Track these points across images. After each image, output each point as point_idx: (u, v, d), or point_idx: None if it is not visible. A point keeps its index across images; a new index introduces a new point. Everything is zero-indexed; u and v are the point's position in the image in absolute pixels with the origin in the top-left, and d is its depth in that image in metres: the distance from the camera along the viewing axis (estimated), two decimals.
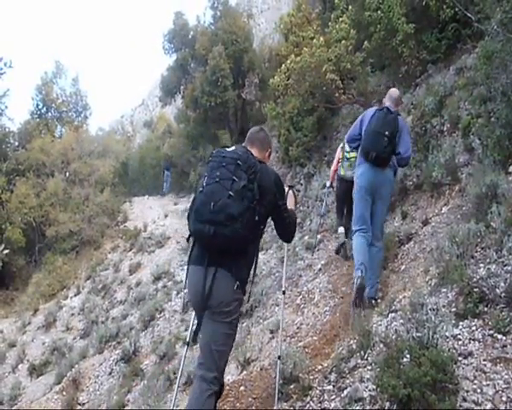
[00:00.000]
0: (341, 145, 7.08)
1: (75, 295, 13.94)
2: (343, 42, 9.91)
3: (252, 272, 3.08)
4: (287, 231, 3.26)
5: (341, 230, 6.92)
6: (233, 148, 3.09)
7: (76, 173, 20.91)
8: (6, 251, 14.97)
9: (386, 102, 5.06)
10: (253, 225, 2.85)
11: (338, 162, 7.06)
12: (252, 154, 3.02)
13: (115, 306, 11.79)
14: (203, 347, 2.94)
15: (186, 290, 3.13)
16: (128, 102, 45.07)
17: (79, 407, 8.32)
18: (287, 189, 3.40)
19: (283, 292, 4.17)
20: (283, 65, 11.25)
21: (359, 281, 4.57)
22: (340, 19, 10.24)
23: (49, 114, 26.07)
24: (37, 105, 25.69)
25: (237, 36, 19.31)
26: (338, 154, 7.19)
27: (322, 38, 10.48)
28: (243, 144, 3.21)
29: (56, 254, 17.17)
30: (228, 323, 2.89)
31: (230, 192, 2.79)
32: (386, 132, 4.70)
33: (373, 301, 4.71)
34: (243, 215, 2.78)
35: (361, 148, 4.94)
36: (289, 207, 3.25)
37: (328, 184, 7.73)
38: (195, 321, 3.02)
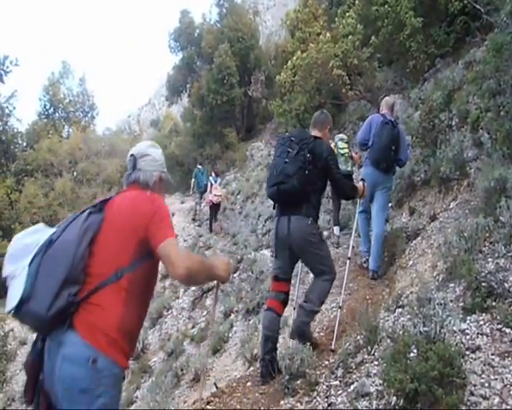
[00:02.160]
0: (333, 143, 7.38)
1: None
2: (350, 37, 9.87)
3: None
4: (341, 190, 4.28)
5: (337, 230, 7.59)
6: (294, 131, 4.46)
7: (83, 173, 21.08)
8: None
9: (384, 110, 5.88)
10: (306, 180, 3.79)
11: None
12: (308, 132, 4.13)
13: None
14: (310, 268, 4.15)
15: (273, 239, 4.08)
16: (135, 102, 45.53)
17: None
18: (361, 183, 4.47)
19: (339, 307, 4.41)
20: (289, 61, 11.25)
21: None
22: (347, 14, 10.21)
23: (57, 114, 26.28)
24: (45, 106, 25.92)
25: (243, 33, 19.32)
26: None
27: (328, 34, 10.45)
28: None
29: None
30: (315, 251, 3.90)
31: (286, 159, 3.85)
32: (393, 147, 5.57)
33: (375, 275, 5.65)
34: (297, 173, 3.78)
35: (373, 156, 5.71)
36: (357, 185, 4.38)
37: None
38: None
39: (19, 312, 1.94)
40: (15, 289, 1.95)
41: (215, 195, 13.53)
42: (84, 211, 2.17)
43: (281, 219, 3.94)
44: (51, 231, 2.11)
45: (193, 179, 15.37)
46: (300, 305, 3.96)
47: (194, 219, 15.86)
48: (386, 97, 6.41)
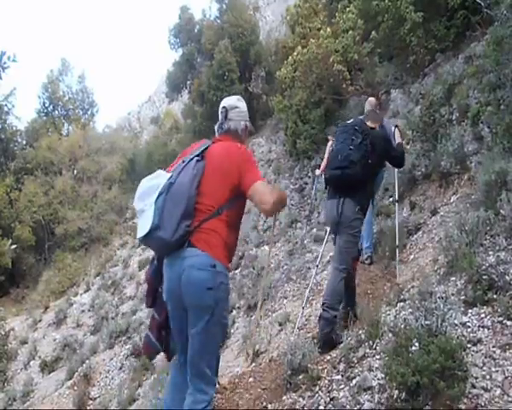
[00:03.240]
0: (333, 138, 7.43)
1: (85, 292, 14.03)
2: (350, 32, 9.85)
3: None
4: (396, 163, 4.81)
5: None
6: (351, 120, 4.81)
7: (84, 171, 21.02)
8: (14, 246, 15.06)
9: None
10: (367, 167, 4.16)
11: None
12: (365, 123, 4.48)
13: (125, 301, 11.86)
14: (337, 250, 4.32)
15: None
16: (135, 99, 45.32)
17: (91, 402, 8.40)
18: (393, 127, 5.14)
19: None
20: (290, 57, 11.23)
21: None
22: (348, 9, 10.18)
23: (56, 112, 26.14)
24: (44, 103, 25.76)
25: (243, 29, 19.23)
26: (329, 146, 7.61)
27: (329, 29, 10.42)
28: (361, 117, 4.83)
29: (66, 251, 17.30)
30: (352, 234, 4.24)
31: (351, 146, 4.19)
32: None
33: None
34: (360, 161, 4.13)
35: None
36: (398, 141, 5.06)
37: (317, 172, 7.73)
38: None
39: (147, 238, 2.55)
40: (145, 220, 2.54)
41: None
42: (192, 159, 2.69)
43: (336, 200, 4.26)
44: (168, 175, 2.65)
45: None
46: (324, 310, 4.04)
47: None
48: (369, 98, 6.63)
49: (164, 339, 2.80)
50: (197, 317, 2.55)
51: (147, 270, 2.89)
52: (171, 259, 2.62)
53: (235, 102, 2.95)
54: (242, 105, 2.97)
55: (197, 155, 2.71)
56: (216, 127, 2.98)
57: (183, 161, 2.71)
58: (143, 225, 2.55)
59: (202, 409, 2.54)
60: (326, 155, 7.93)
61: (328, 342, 3.91)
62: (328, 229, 4.69)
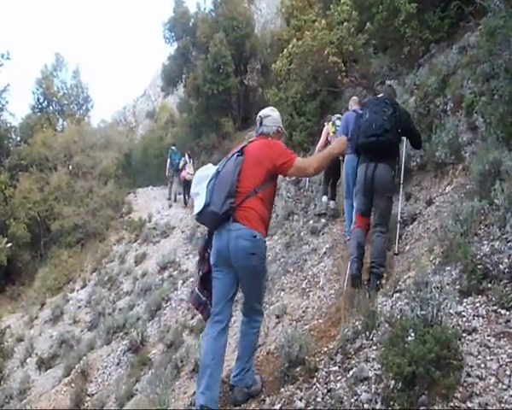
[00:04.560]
0: (331, 121, 8.12)
1: (81, 288, 13.99)
2: (345, 24, 9.82)
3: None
4: (417, 140, 5.51)
5: (325, 198, 8.33)
6: (381, 95, 5.49)
7: (79, 166, 20.87)
8: (9, 244, 14.95)
9: (354, 106, 7.15)
10: (397, 136, 5.05)
11: (327, 138, 8.04)
12: (393, 97, 5.35)
13: (122, 297, 11.84)
14: (379, 213, 4.99)
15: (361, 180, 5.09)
16: (130, 93, 45.16)
17: (88, 398, 8.40)
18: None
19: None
20: (285, 49, 11.18)
21: None
22: (342, 1, 10.14)
23: (51, 107, 25.89)
24: (38, 99, 25.51)
25: (238, 22, 19.16)
26: (326, 131, 8.20)
27: (323, 21, 10.38)
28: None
29: (62, 247, 17.19)
30: (389, 197, 5.03)
31: (384, 117, 4.92)
32: None
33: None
34: (392, 130, 4.89)
35: (353, 145, 6.26)
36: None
37: None
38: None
39: (201, 214, 3.37)
40: (200, 200, 3.37)
41: (188, 173, 15.57)
42: (233, 154, 3.50)
43: (370, 164, 4.96)
44: (216, 167, 3.53)
45: (168, 159, 17.18)
46: (373, 268, 4.78)
47: (169, 199, 17.53)
48: (353, 97, 7.76)
49: (206, 297, 3.55)
50: (245, 274, 3.37)
51: (200, 244, 3.77)
52: (219, 230, 3.37)
53: (268, 112, 3.76)
54: (275, 114, 3.77)
55: (237, 152, 3.51)
56: (254, 132, 3.90)
57: (228, 158, 3.53)
58: (198, 204, 3.39)
59: (255, 332, 3.57)
60: (322, 138, 8.22)
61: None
62: (356, 190, 5.37)
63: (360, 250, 4.98)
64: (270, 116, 3.72)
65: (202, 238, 3.78)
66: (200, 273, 3.61)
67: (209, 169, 3.54)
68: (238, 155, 3.48)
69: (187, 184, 15.24)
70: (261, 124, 3.69)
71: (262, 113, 3.75)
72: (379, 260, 4.77)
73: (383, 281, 4.87)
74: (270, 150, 3.47)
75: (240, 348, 3.62)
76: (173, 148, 17.45)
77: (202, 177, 3.49)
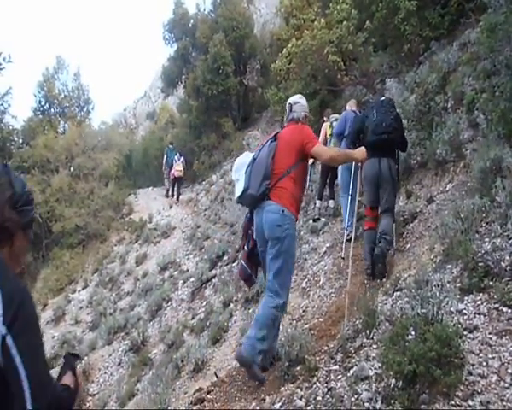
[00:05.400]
0: (328, 123, 8.22)
1: (83, 289, 13.97)
2: (344, 23, 9.81)
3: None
4: (405, 146, 5.78)
5: (318, 203, 8.38)
6: (384, 97, 6.09)
7: (80, 168, 20.85)
8: None
9: (353, 108, 7.38)
10: (402, 135, 5.55)
11: (325, 139, 8.13)
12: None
13: (123, 297, 11.82)
14: (388, 202, 5.34)
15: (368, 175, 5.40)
16: (130, 95, 45.14)
17: (90, 398, 8.39)
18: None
19: None
20: (285, 49, 11.19)
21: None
22: None
23: (52, 110, 25.88)
24: (40, 102, 25.51)
25: (238, 22, 19.11)
26: (324, 131, 8.32)
27: (323, 20, 10.39)
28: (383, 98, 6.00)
29: (63, 248, 17.18)
30: (395, 188, 5.48)
31: (391, 117, 5.38)
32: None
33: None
34: (398, 128, 5.43)
35: (348, 143, 6.55)
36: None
37: (310, 161, 7.82)
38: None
39: (242, 197, 3.88)
40: (240, 185, 3.86)
41: (176, 170, 16.59)
42: (267, 141, 3.95)
43: (382, 159, 5.32)
44: (252, 154, 3.99)
45: (164, 156, 17.76)
46: (383, 237, 5.14)
47: (166, 196, 18.11)
48: (352, 99, 8.02)
49: (251, 268, 4.10)
50: (272, 245, 3.73)
51: (244, 220, 4.22)
52: (257, 209, 3.85)
53: (297, 99, 4.17)
54: (303, 101, 4.17)
55: (271, 138, 3.96)
56: (285, 118, 4.30)
57: (262, 144, 3.99)
58: (239, 189, 3.87)
59: (270, 307, 3.71)
60: (322, 135, 8.30)
61: (384, 258, 5.09)
62: (365, 184, 5.59)
63: (372, 253, 5.23)
64: (299, 103, 4.13)
65: (245, 216, 4.20)
66: (246, 248, 4.08)
67: (247, 156, 4.00)
68: (272, 141, 3.91)
69: (175, 180, 16.85)
70: (291, 110, 4.09)
71: (291, 100, 4.17)
72: (387, 231, 5.18)
73: (383, 280, 4.85)
74: (299, 133, 3.90)
75: (255, 318, 3.95)
76: (170, 146, 18.00)
77: (241, 164, 3.96)
